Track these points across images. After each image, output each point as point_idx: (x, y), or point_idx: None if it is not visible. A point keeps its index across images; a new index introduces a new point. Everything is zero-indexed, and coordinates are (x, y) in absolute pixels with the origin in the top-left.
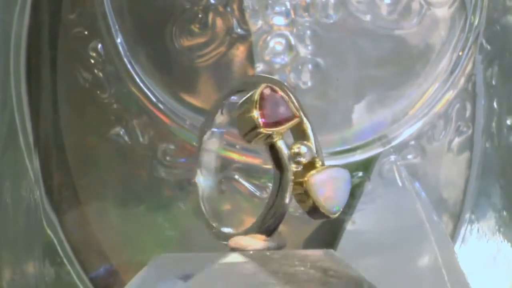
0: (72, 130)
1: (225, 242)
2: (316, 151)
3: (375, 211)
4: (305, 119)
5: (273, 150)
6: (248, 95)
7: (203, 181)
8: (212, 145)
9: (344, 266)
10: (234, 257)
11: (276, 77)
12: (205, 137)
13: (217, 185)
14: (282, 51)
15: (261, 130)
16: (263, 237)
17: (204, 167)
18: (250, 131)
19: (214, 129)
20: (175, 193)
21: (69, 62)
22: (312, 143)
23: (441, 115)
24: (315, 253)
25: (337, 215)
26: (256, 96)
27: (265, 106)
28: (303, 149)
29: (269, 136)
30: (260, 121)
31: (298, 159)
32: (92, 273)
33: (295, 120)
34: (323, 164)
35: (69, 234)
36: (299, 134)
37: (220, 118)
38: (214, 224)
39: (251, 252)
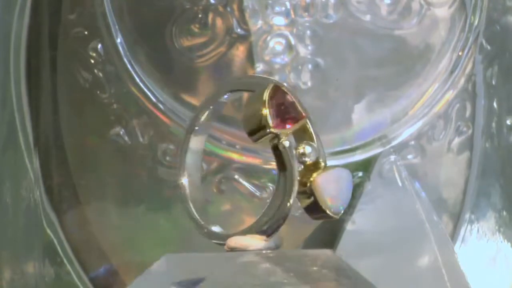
0: (72, 130)
1: (219, 242)
2: (319, 151)
3: (375, 211)
4: (308, 119)
5: (278, 151)
6: (255, 94)
7: (188, 181)
8: (196, 145)
9: (348, 266)
10: (248, 257)
11: (276, 77)
12: (191, 136)
13: (201, 185)
14: (282, 51)
15: (271, 130)
16: (262, 237)
17: (188, 167)
18: (257, 131)
19: (197, 128)
20: (175, 193)
21: (69, 62)
22: (315, 143)
23: (441, 115)
24: (323, 253)
25: (339, 215)
26: (266, 95)
27: (274, 105)
28: (308, 150)
29: (276, 136)
30: (270, 121)
31: (303, 159)
32: (92, 273)
33: (303, 121)
34: (325, 164)
35: (69, 234)
36: (300, 134)
37: (207, 117)
38: (204, 225)
39: (264, 252)
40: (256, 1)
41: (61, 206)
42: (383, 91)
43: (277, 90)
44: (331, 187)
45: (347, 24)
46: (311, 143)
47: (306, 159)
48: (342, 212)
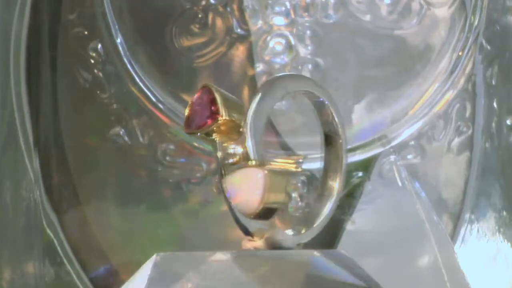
0: (72, 130)
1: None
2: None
3: (375, 211)
4: (248, 122)
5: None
6: None
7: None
8: None
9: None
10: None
11: None
12: None
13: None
14: (282, 51)
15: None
16: (248, 237)
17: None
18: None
19: None
20: (175, 193)
21: (69, 62)
22: (250, 145)
23: (441, 115)
24: (329, 253)
25: (251, 215)
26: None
27: (192, 108)
28: (238, 151)
29: (207, 137)
30: (184, 121)
31: (226, 160)
32: (92, 273)
33: (216, 122)
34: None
35: (69, 234)
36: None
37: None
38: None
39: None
40: (256, 1)
41: (61, 206)
42: (383, 91)
43: (204, 91)
44: (234, 188)
45: (347, 24)
46: (244, 144)
47: (229, 160)
48: (255, 211)
